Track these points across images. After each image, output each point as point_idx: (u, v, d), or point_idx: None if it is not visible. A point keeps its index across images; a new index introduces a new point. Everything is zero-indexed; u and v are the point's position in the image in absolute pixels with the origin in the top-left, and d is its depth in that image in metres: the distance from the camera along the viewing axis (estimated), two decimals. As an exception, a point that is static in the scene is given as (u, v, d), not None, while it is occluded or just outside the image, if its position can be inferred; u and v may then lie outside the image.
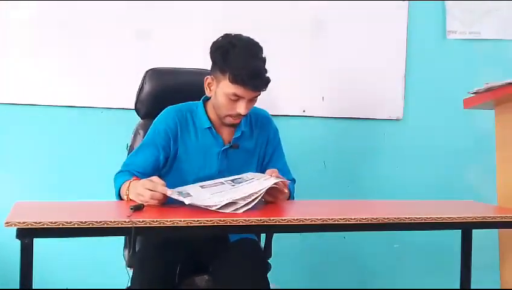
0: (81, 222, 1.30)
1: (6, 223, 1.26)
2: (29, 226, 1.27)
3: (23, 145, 2.43)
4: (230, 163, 1.88)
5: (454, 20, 2.72)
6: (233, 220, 1.41)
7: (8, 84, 2.38)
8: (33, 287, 1.34)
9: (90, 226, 1.31)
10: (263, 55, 1.77)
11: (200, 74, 1.88)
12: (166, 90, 2.08)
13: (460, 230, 1.88)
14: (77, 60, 2.42)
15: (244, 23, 2.46)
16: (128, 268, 1.78)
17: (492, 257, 2.15)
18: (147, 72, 2.09)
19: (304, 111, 2.63)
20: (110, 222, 1.33)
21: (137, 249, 1.81)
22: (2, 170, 2.42)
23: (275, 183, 1.59)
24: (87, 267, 2.45)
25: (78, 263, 2.44)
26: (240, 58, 1.71)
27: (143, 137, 1.98)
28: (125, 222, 1.33)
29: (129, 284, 1.68)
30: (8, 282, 2.33)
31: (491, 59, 2.74)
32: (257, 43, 1.78)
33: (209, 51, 1.80)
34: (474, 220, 1.64)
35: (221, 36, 1.79)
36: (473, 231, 1.87)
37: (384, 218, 1.52)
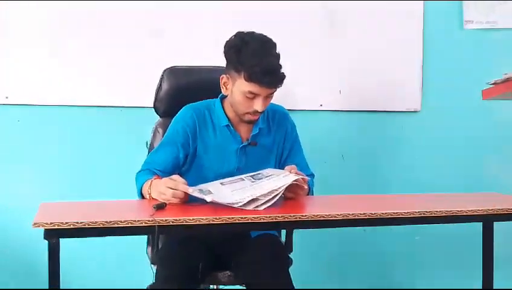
0: (106, 222, 1.33)
1: (34, 224, 1.30)
2: (56, 227, 1.30)
3: (43, 145, 2.46)
4: (249, 160, 1.90)
5: (470, 10, 2.70)
6: (254, 217, 1.43)
7: (27, 86, 2.42)
8: (60, 285, 1.37)
9: (115, 225, 1.34)
10: (277, 51, 1.78)
11: (217, 71, 1.90)
12: (184, 89, 2.10)
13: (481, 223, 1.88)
14: (95, 60, 2.45)
15: (259, 18, 2.46)
16: (152, 265, 1.81)
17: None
18: (164, 71, 2.11)
19: (321, 105, 2.63)
20: (134, 221, 1.36)
21: (160, 245, 1.84)
22: (24, 170, 2.46)
23: (295, 180, 1.60)
24: (111, 264, 2.49)
25: (102, 261, 2.49)
26: (253, 56, 1.72)
27: (162, 135, 2.01)
28: (148, 221, 1.36)
29: (154, 281, 1.71)
30: (35, 279, 2.40)
31: (509, 48, 2.70)
32: (270, 40, 1.79)
33: (222, 49, 1.81)
34: (496, 212, 1.63)
35: (234, 35, 1.80)
36: (496, 222, 1.85)
37: (405, 212, 1.52)
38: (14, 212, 2.43)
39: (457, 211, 1.57)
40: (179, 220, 1.38)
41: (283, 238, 2.01)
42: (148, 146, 2.17)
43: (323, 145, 2.61)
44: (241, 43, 1.75)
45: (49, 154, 2.47)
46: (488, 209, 1.63)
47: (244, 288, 1.82)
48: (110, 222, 1.34)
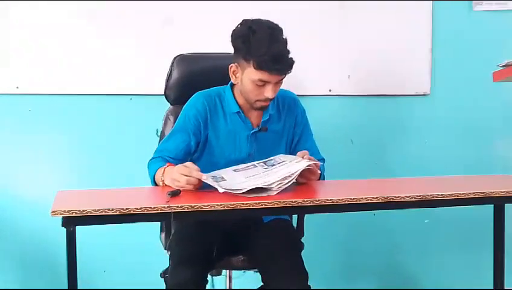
0: (122, 209, 1.35)
1: (53, 212, 1.32)
2: (74, 215, 1.32)
3: (54, 134, 2.48)
4: (260, 146, 1.91)
5: (480, -9, 2.68)
6: (268, 203, 1.45)
7: (38, 76, 2.43)
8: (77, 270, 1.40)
9: (131, 212, 1.35)
10: (284, 37, 1.77)
11: (227, 58, 1.89)
12: (195, 76, 2.11)
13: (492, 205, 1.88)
14: (105, 49, 2.45)
15: (267, 3, 2.46)
16: (166, 251, 1.84)
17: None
18: (174, 58, 2.12)
19: (330, 90, 2.63)
20: (150, 208, 1.38)
21: (173, 231, 1.87)
22: (36, 159, 2.48)
23: (308, 166, 1.61)
24: (124, 250, 2.52)
25: (116, 247, 2.51)
26: (261, 44, 1.72)
27: (173, 123, 2.02)
28: (164, 207, 1.38)
29: (168, 265, 1.74)
30: (51, 265, 2.44)
31: (520, 30, 2.69)
32: (277, 26, 1.78)
33: (230, 38, 1.81)
34: (507, 194, 1.63)
35: (240, 23, 1.80)
36: (509, 205, 1.85)
37: (417, 195, 1.53)
38: (25, 200, 2.46)
39: (470, 193, 1.58)
40: (194, 206, 1.40)
41: (294, 223, 2.04)
42: (158, 134, 2.18)
43: (332, 130, 2.62)
44: (249, 32, 1.75)
45: (60, 143, 2.49)
46: (500, 191, 1.63)
47: (257, 272, 1.85)
48: (127, 209, 1.35)
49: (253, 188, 1.50)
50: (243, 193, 1.50)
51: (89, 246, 2.38)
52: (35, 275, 2.49)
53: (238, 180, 1.57)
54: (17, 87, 2.43)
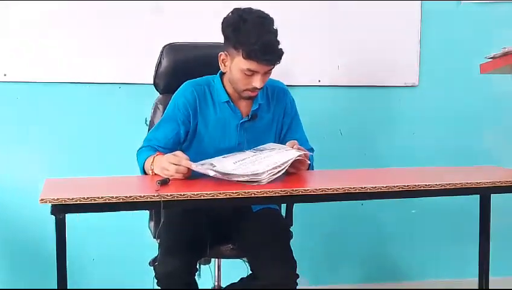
0: (112, 197, 1.35)
1: (41, 200, 1.31)
2: (63, 202, 1.32)
3: (42, 122, 2.46)
4: (249, 135, 1.91)
5: (469, -17, 2.69)
6: (257, 192, 1.45)
7: (26, 63, 2.41)
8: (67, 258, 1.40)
9: (121, 201, 1.35)
10: (275, 27, 1.77)
11: (217, 47, 1.89)
12: (184, 65, 2.10)
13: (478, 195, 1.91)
14: (95, 37, 2.43)
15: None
16: (155, 239, 1.84)
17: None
18: (164, 47, 2.11)
19: (319, 81, 2.63)
20: (140, 196, 1.38)
21: (162, 220, 1.87)
22: (24, 147, 2.46)
23: (298, 156, 1.62)
24: (113, 239, 2.51)
25: (104, 235, 2.50)
26: (251, 34, 1.71)
27: (162, 112, 2.01)
28: (153, 196, 1.38)
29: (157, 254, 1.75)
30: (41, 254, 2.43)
31: (508, 22, 2.70)
32: (268, 16, 1.78)
33: (220, 27, 1.80)
34: (493, 185, 1.66)
35: (231, 11, 1.79)
36: (495, 195, 1.87)
37: (405, 185, 1.55)
38: (13, 188, 2.44)
39: (456, 183, 1.60)
40: (184, 195, 1.40)
41: (283, 213, 2.05)
42: (147, 123, 2.18)
43: (321, 121, 2.62)
44: (239, 21, 1.75)
45: (49, 131, 2.47)
46: (486, 182, 1.65)
47: (246, 261, 1.86)
48: (116, 197, 1.35)
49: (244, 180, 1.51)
50: (233, 179, 1.50)
51: (77, 235, 2.39)
52: (23, 265, 2.48)
53: (227, 165, 1.57)
54: (5, 75, 2.40)
